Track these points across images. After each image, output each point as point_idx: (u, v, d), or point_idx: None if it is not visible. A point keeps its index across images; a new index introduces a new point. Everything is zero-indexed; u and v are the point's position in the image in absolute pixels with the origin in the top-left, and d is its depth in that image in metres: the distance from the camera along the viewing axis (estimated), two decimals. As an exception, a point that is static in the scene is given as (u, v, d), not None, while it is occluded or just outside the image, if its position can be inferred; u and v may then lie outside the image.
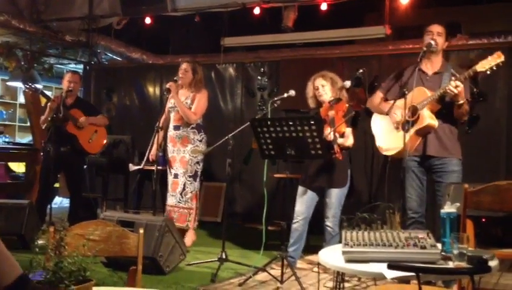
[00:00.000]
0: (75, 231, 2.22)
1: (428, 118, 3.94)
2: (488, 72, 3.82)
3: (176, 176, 5.34)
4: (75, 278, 1.53)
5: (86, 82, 8.26)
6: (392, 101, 4.04)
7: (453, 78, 3.83)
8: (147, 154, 5.18)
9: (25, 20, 7.00)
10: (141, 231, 2.34)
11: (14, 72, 7.51)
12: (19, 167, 8.73)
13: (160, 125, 5.15)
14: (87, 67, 8.46)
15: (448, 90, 3.79)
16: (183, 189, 5.30)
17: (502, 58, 3.74)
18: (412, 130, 3.91)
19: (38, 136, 7.38)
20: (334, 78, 4.50)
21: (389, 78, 4.33)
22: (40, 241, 1.74)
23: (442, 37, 4.06)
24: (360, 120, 4.83)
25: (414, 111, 3.94)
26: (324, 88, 4.47)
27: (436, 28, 4.06)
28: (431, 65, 4.10)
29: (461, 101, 3.83)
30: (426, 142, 4.00)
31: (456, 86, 3.74)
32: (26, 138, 9.62)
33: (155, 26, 7.55)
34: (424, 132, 3.99)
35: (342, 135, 4.31)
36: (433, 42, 3.98)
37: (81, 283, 1.54)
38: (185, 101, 5.34)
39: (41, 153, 6.17)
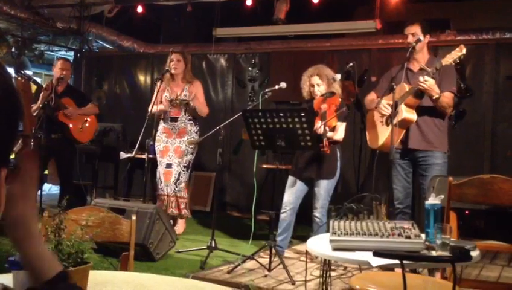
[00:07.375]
0: (69, 216, 2.27)
1: (404, 111, 4.03)
2: (453, 64, 3.91)
3: (169, 165, 5.37)
4: (73, 260, 1.58)
5: (77, 69, 8.21)
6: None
7: (424, 73, 3.93)
8: (138, 142, 5.21)
9: (16, 7, 6.97)
10: (134, 217, 2.39)
11: (4, 58, 7.48)
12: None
13: (153, 112, 5.20)
14: (78, 54, 8.42)
15: (419, 85, 3.89)
16: (178, 179, 5.34)
17: (464, 52, 3.83)
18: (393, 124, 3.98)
19: (28, 123, 7.36)
20: (329, 76, 4.55)
21: (381, 79, 4.45)
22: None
23: (418, 36, 4.11)
24: (349, 113, 4.91)
25: (396, 106, 4.03)
26: (320, 87, 4.52)
27: (409, 30, 4.16)
28: (416, 63, 4.20)
29: (435, 96, 3.91)
30: (408, 135, 4.11)
31: (424, 81, 3.84)
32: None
33: (147, 15, 7.56)
34: (404, 125, 4.08)
35: (333, 129, 4.39)
36: (414, 43, 4.09)
37: (79, 265, 1.59)
38: (183, 94, 5.37)
39: (31, 140, 6.16)
